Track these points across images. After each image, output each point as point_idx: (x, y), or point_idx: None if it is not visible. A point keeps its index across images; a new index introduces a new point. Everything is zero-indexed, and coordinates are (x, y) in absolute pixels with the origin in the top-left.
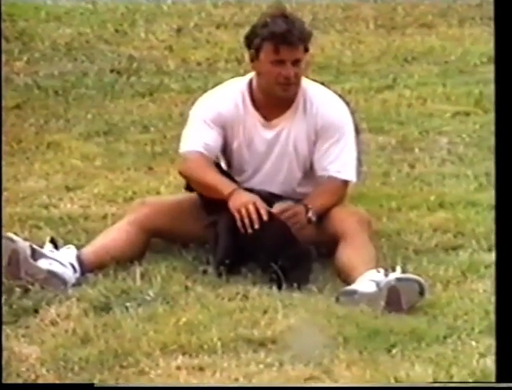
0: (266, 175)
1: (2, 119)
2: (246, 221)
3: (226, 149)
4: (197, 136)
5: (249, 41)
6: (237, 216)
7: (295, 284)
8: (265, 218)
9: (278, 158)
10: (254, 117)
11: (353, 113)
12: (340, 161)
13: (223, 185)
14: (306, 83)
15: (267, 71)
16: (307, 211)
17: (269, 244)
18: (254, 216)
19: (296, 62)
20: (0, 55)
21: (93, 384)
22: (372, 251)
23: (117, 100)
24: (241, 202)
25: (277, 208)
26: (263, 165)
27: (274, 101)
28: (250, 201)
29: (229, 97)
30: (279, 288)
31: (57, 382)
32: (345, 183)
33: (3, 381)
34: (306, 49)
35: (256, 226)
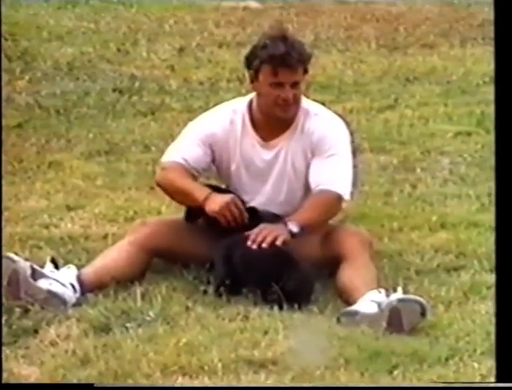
0: (267, 197)
1: (2, 138)
2: (232, 222)
3: (223, 172)
4: (180, 150)
5: (248, 62)
6: (221, 219)
7: (296, 305)
8: (245, 214)
9: (278, 179)
10: (253, 138)
11: (353, 133)
12: (332, 175)
13: (198, 191)
14: (305, 102)
15: (266, 92)
16: (286, 225)
17: (267, 270)
18: (237, 215)
19: (295, 85)
20: (0, 74)
21: (92, 384)
22: (373, 272)
23: (119, 119)
24: (220, 204)
25: (255, 230)
26: (263, 186)
27: (273, 121)
28: (228, 200)
29: (226, 117)
30: (280, 308)
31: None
32: (337, 197)
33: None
34: (306, 71)
35: (245, 220)
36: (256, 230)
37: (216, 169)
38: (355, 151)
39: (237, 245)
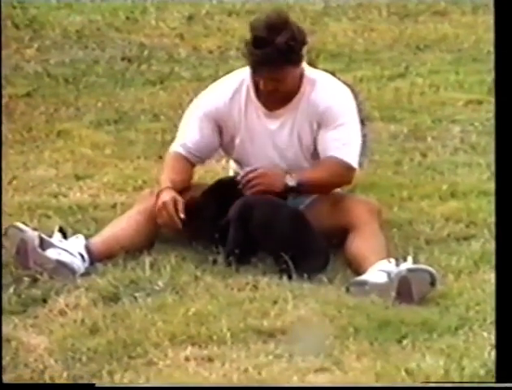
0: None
1: (1, 108)
2: (164, 222)
3: (228, 144)
4: (182, 137)
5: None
6: (157, 218)
7: (305, 274)
8: (182, 216)
9: (283, 149)
10: (257, 108)
11: (361, 102)
12: (339, 144)
13: (162, 183)
14: (312, 73)
15: (251, 77)
16: (283, 176)
17: (281, 232)
18: (167, 219)
19: (276, 79)
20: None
21: (93, 384)
22: (383, 241)
23: (128, 88)
24: (158, 204)
25: (252, 172)
26: (268, 156)
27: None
28: (163, 202)
29: (228, 89)
30: (290, 278)
31: (60, 381)
32: (343, 164)
33: (4, 380)
34: (296, 61)
35: (178, 226)
36: (252, 173)
37: (220, 141)
38: (364, 120)
39: (254, 207)
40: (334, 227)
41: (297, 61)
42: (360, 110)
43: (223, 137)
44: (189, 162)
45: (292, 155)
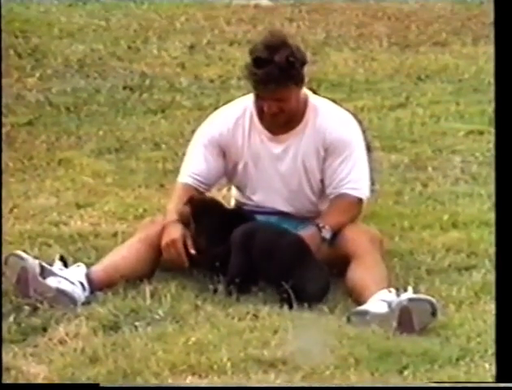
0: (275, 192)
1: (1, 136)
2: (172, 259)
3: (232, 170)
4: (188, 166)
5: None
6: (164, 253)
7: (306, 303)
8: (192, 251)
9: (286, 175)
10: (261, 132)
11: (364, 130)
12: (352, 177)
13: (169, 214)
14: (316, 99)
15: (254, 101)
16: (320, 231)
17: (283, 260)
18: (174, 257)
19: (279, 99)
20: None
21: (98, 384)
22: (384, 271)
23: (129, 117)
24: (165, 240)
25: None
26: (271, 182)
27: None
28: (171, 239)
29: (231, 116)
30: (291, 307)
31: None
32: (359, 200)
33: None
34: (298, 81)
35: (185, 265)
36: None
37: (225, 167)
38: (370, 147)
39: (255, 234)
40: (335, 255)
41: (298, 79)
42: (365, 138)
43: (226, 163)
44: (197, 191)
45: (295, 181)
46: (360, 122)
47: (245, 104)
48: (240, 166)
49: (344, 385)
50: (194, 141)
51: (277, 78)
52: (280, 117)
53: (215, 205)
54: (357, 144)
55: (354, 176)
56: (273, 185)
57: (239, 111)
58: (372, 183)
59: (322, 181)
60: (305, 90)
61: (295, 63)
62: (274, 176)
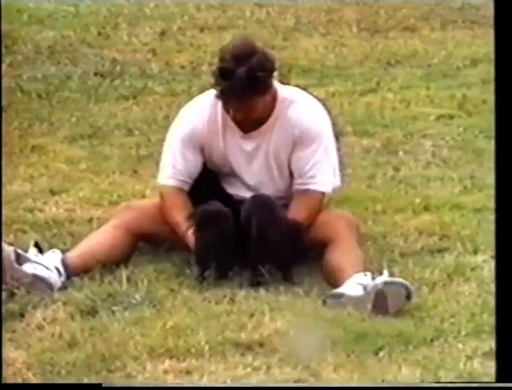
0: (248, 188)
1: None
2: None
3: (209, 164)
4: (170, 166)
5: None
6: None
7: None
8: None
9: (259, 171)
10: (233, 129)
11: (334, 119)
12: (317, 171)
13: (181, 227)
14: (286, 91)
15: (221, 105)
16: None
17: (278, 240)
18: None
19: (246, 108)
20: (0, 56)
21: (100, 384)
22: (360, 255)
23: (101, 103)
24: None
25: None
26: (245, 177)
27: None
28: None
29: (204, 110)
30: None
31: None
32: (321, 195)
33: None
34: (265, 88)
35: None
36: None
37: (203, 162)
38: (338, 135)
39: (255, 211)
40: (312, 239)
41: (262, 90)
42: (334, 126)
43: (204, 158)
44: (184, 191)
45: (267, 177)
46: (329, 111)
47: (215, 98)
48: (216, 161)
49: (343, 385)
50: (170, 139)
51: (240, 91)
52: (247, 122)
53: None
54: (326, 136)
55: (320, 170)
56: (246, 181)
57: (211, 106)
58: (343, 168)
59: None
60: (274, 83)
61: (259, 76)
62: (247, 172)
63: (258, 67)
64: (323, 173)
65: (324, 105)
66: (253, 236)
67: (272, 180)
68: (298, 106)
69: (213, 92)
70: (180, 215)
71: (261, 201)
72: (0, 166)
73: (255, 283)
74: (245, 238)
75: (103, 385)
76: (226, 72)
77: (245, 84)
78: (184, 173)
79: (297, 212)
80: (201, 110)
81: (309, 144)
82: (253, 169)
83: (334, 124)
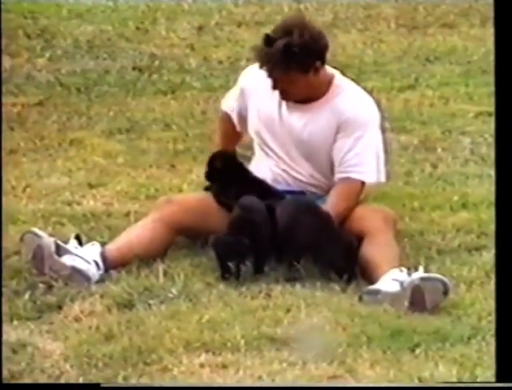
0: (284, 163)
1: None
2: None
3: (247, 124)
4: (228, 98)
5: None
6: None
7: (343, 277)
8: None
9: (296, 147)
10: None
11: (383, 114)
12: (360, 160)
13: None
14: (341, 80)
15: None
16: None
17: (308, 233)
18: None
19: (286, 82)
20: (0, 51)
21: (99, 384)
22: (396, 250)
23: (139, 97)
24: None
25: None
26: (282, 151)
27: None
28: None
29: (262, 73)
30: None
31: (80, 381)
32: (361, 184)
33: (3, 381)
34: (307, 67)
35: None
36: None
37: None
38: (385, 129)
39: (279, 207)
40: (347, 232)
41: (298, 66)
42: (383, 120)
43: (248, 112)
44: (233, 123)
45: (304, 155)
46: (379, 106)
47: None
48: (255, 122)
49: (344, 385)
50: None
51: (273, 62)
52: (287, 96)
53: (241, 169)
54: (372, 126)
55: (361, 159)
56: (283, 155)
57: None
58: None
59: (331, 157)
60: (331, 70)
61: (295, 52)
62: (284, 146)
63: (298, 42)
64: (365, 162)
65: (374, 98)
66: (300, 241)
67: (309, 161)
68: (348, 94)
69: None
70: (219, 137)
71: (306, 208)
72: (0, 164)
73: (291, 279)
74: (281, 235)
75: (101, 385)
76: (268, 40)
77: (280, 57)
78: (232, 107)
79: (336, 201)
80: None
81: (354, 131)
82: (288, 144)
83: (383, 119)
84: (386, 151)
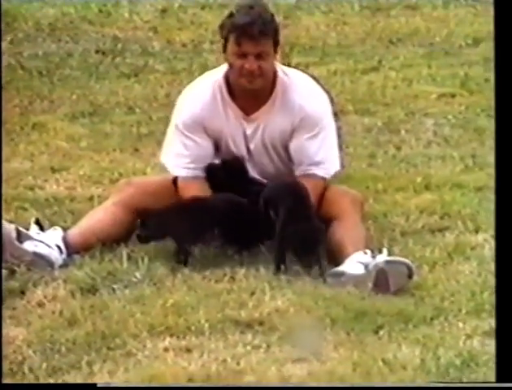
0: (253, 167)
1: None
2: None
3: (217, 148)
4: (179, 156)
5: (220, 30)
6: None
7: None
8: None
9: (255, 154)
10: (235, 110)
11: (333, 100)
12: (320, 156)
13: None
14: (285, 72)
15: (232, 62)
16: None
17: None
18: None
19: (260, 56)
20: (0, 51)
21: (95, 384)
22: (363, 232)
23: (102, 81)
24: None
25: None
26: (246, 160)
27: (249, 93)
28: None
29: (205, 93)
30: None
31: (39, 372)
32: (323, 180)
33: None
34: (276, 43)
35: None
36: None
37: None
38: (337, 114)
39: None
40: (317, 216)
41: (276, 37)
42: (332, 105)
43: (211, 140)
44: (198, 177)
45: (265, 159)
46: (328, 91)
47: (215, 79)
48: (221, 144)
49: (343, 385)
50: (173, 129)
51: (260, 25)
52: (257, 80)
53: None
54: (328, 121)
55: (322, 155)
56: (249, 163)
57: (211, 87)
58: (346, 146)
59: (290, 157)
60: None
61: (273, 20)
62: (248, 155)
63: (269, 15)
64: (328, 158)
65: (322, 85)
66: (283, 221)
67: (272, 162)
68: (298, 90)
69: (209, 75)
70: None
71: (291, 188)
72: (0, 145)
73: (278, 268)
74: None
75: (98, 385)
76: (245, 8)
77: (264, 20)
78: (195, 159)
79: None
80: (202, 94)
81: (311, 129)
82: (251, 153)
83: (333, 104)
84: (349, 133)
